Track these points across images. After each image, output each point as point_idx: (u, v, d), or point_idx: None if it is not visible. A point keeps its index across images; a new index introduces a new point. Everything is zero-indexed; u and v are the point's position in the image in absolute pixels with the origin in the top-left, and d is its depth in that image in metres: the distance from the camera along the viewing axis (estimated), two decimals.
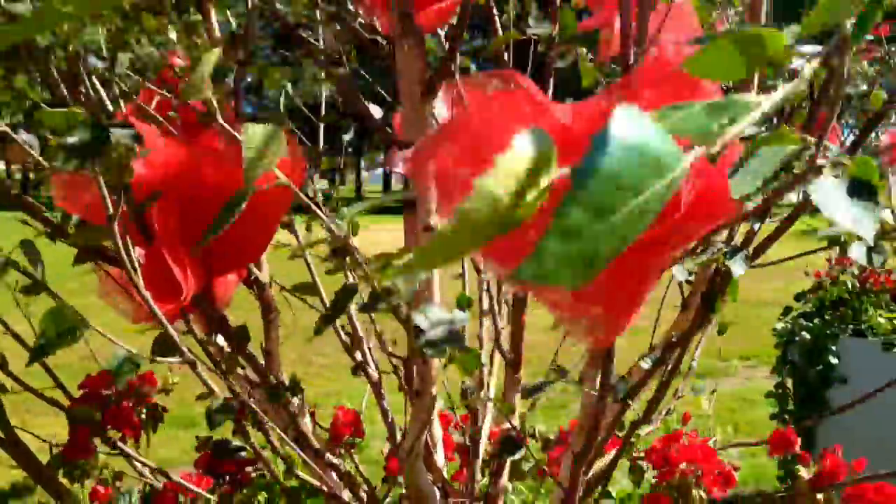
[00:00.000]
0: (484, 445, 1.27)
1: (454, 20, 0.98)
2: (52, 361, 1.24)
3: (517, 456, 0.97)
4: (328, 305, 1.32)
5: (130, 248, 0.76)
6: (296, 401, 1.13)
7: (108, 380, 1.16)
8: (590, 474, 1.07)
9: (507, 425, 1.24)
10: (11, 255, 0.88)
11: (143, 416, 1.17)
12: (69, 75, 0.80)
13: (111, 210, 0.73)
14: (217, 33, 1.12)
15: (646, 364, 0.98)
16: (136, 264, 0.76)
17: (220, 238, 0.82)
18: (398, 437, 1.26)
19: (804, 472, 0.95)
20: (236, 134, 0.90)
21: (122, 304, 0.96)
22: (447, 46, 0.89)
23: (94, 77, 0.78)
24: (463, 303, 0.97)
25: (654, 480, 1.17)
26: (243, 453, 1.13)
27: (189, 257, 0.80)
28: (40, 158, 0.86)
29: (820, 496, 0.91)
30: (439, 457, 1.13)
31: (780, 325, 3.88)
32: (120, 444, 1.04)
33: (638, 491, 1.38)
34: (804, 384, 3.66)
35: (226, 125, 0.78)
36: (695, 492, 1.14)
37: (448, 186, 0.68)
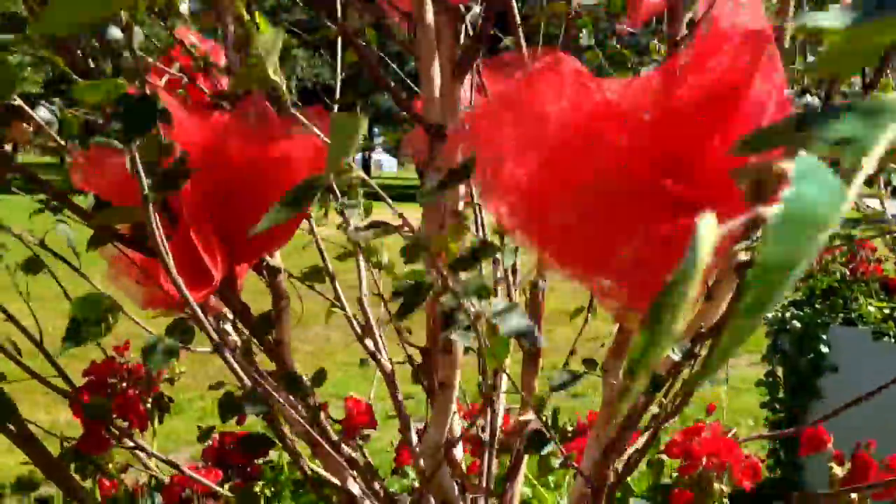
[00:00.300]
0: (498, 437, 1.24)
1: None
2: (49, 345, 1.20)
3: (545, 451, 0.94)
4: (336, 294, 1.29)
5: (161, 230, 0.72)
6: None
7: (112, 367, 1.11)
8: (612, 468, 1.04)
9: (525, 417, 1.21)
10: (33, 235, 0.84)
11: (149, 405, 1.13)
12: (88, 47, 0.75)
13: (146, 190, 0.68)
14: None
15: (675, 355, 0.95)
16: (167, 247, 0.72)
17: (246, 220, 0.78)
18: (411, 429, 1.23)
19: (838, 471, 0.93)
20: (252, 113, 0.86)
21: (132, 289, 0.92)
22: (478, 24, 0.85)
23: (126, 49, 0.73)
24: (483, 293, 0.93)
25: (675, 475, 1.14)
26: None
27: (217, 242, 0.76)
28: (57, 137, 0.81)
29: (854, 496, 0.89)
30: (458, 450, 1.10)
31: (769, 314, 3.88)
32: (127, 435, 1.00)
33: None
34: (795, 373, 3.66)
35: (259, 103, 0.73)
36: (716, 485, 1.11)
37: (494, 162, 0.65)
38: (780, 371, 3.70)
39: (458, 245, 0.60)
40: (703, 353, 0.99)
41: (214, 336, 0.78)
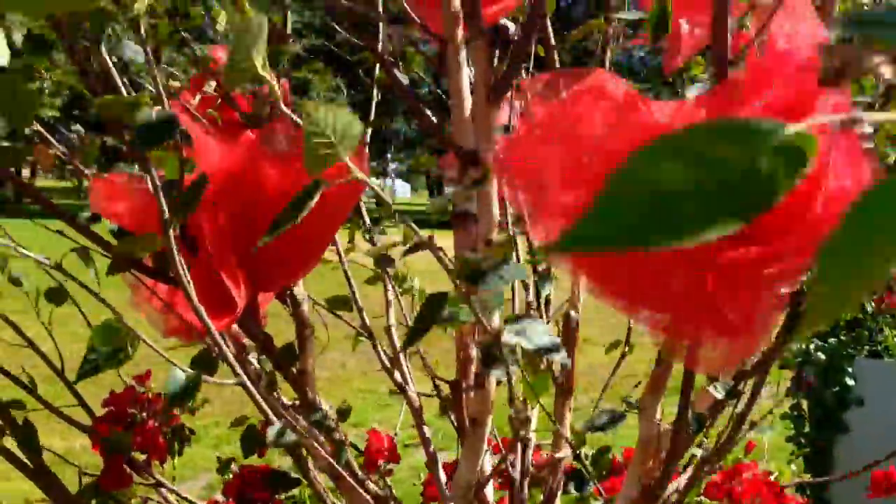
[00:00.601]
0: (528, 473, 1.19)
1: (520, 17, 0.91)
2: (67, 370, 1.17)
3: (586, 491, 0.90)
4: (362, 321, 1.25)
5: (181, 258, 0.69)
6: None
7: (131, 396, 1.08)
8: None
9: (560, 454, 1.17)
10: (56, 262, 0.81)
11: (167, 436, 1.09)
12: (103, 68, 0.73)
13: (166, 214, 0.65)
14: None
15: (718, 393, 0.90)
16: (188, 276, 0.68)
17: (270, 247, 0.75)
18: (439, 464, 1.19)
19: None
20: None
21: (154, 317, 0.89)
22: (512, 48, 0.82)
23: (148, 73, 0.71)
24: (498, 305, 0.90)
25: None
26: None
27: (240, 269, 0.73)
28: (76, 162, 0.79)
29: None
30: (489, 488, 1.06)
31: (794, 346, 3.81)
32: (147, 471, 0.96)
33: None
34: (820, 406, 3.58)
35: (288, 115, 0.70)
36: None
37: (539, 185, 0.62)
38: (804, 404, 3.62)
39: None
40: (748, 391, 0.95)
41: (238, 369, 0.74)
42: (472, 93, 0.83)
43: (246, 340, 1.02)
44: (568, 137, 0.60)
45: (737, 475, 1.08)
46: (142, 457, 1.03)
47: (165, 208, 0.65)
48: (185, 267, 0.68)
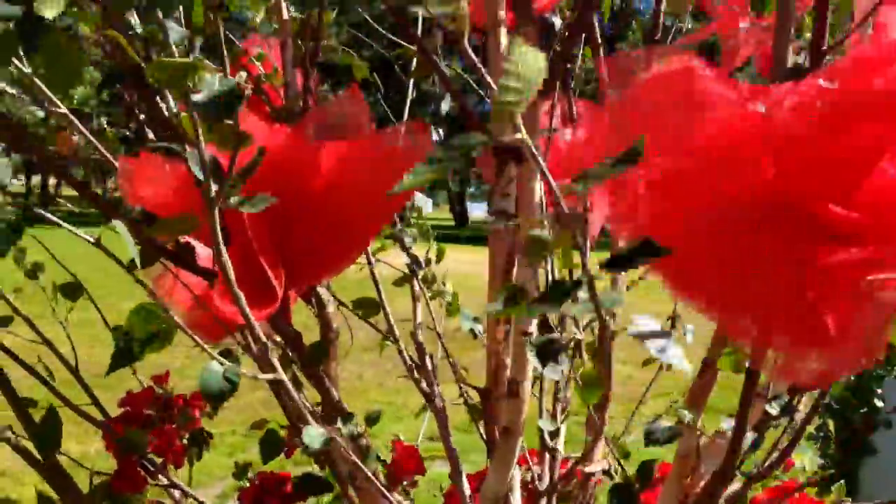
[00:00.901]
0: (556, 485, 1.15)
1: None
2: (83, 372, 1.13)
3: None
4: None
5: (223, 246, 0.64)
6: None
7: (150, 397, 1.05)
8: None
9: (592, 467, 1.12)
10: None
11: (185, 441, 1.05)
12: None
13: (213, 192, 0.61)
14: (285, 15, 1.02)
15: (773, 409, 0.86)
16: (230, 266, 0.64)
17: (309, 237, 0.71)
18: (463, 476, 1.14)
19: None
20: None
21: (178, 313, 0.85)
22: (563, 37, 0.78)
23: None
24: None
25: None
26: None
27: (279, 260, 0.69)
28: (99, 146, 0.75)
29: None
30: (516, 501, 1.01)
31: None
32: (162, 473, 0.92)
33: None
34: (847, 427, 3.50)
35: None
36: None
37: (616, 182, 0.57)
38: (831, 425, 3.54)
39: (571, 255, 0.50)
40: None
41: (277, 365, 0.70)
42: None
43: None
44: (648, 122, 0.55)
45: (782, 494, 1.03)
46: (158, 460, 0.99)
47: (213, 185, 0.61)
48: (224, 254, 0.64)
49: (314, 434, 0.71)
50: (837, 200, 0.49)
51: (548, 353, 0.57)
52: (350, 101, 0.76)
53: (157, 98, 0.72)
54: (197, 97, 0.56)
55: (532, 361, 0.69)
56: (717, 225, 0.54)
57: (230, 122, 0.59)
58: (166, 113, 0.71)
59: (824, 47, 0.56)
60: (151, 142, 0.72)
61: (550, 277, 0.99)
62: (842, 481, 1.21)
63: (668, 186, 0.52)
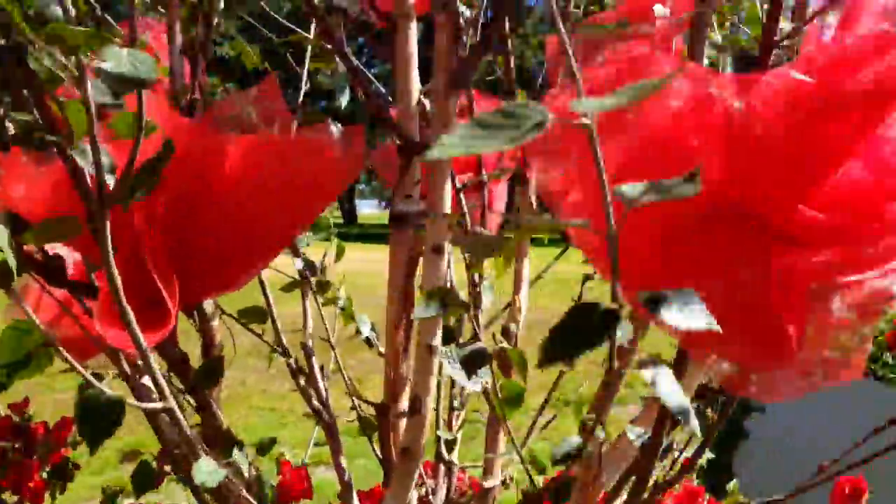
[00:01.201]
0: None
1: None
2: None
3: None
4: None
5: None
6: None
7: (5, 426, 0.93)
8: None
9: (489, 483, 1.08)
10: None
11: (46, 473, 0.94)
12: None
13: (95, 197, 0.52)
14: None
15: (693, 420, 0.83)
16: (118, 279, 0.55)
17: (208, 248, 0.63)
18: (353, 494, 1.08)
19: None
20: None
21: (63, 333, 0.75)
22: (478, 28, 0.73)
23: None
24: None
25: None
26: None
27: (172, 272, 0.61)
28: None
29: None
30: None
31: None
32: None
33: None
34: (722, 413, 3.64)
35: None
36: None
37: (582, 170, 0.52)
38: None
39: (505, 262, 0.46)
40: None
41: (167, 392, 0.62)
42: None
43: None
44: (623, 119, 0.50)
45: (694, 499, 1.02)
46: (13, 498, 0.88)
47: (107, 183, 0.51)
48: (114, 265, 0.55)
49: (206, 470, 0.63)
50: (800, 201, 0.46)
51: (474, 364, 0.52)
52: (265, 93, 0.68)
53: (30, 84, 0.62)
54: (106, 65, 0.47)
55: (453, 374, 0.64)
56: (669, 222, 0.50)
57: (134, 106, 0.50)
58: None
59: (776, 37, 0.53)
60: (19, 135, 0.61)
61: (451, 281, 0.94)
62: (734, 481, 1.22)
63: (620, 179, 0.48)
